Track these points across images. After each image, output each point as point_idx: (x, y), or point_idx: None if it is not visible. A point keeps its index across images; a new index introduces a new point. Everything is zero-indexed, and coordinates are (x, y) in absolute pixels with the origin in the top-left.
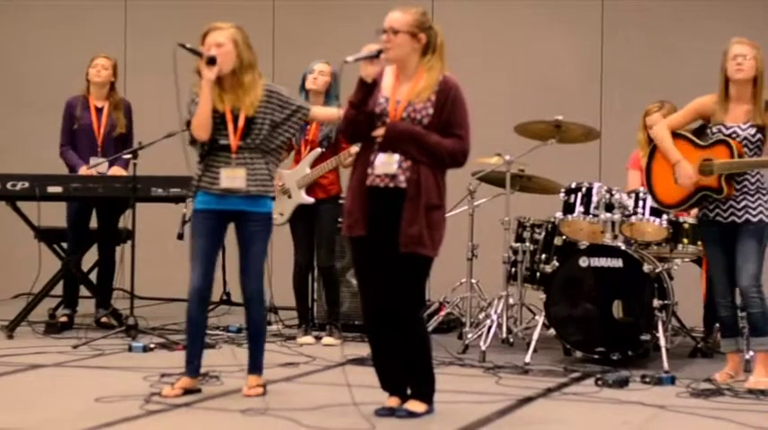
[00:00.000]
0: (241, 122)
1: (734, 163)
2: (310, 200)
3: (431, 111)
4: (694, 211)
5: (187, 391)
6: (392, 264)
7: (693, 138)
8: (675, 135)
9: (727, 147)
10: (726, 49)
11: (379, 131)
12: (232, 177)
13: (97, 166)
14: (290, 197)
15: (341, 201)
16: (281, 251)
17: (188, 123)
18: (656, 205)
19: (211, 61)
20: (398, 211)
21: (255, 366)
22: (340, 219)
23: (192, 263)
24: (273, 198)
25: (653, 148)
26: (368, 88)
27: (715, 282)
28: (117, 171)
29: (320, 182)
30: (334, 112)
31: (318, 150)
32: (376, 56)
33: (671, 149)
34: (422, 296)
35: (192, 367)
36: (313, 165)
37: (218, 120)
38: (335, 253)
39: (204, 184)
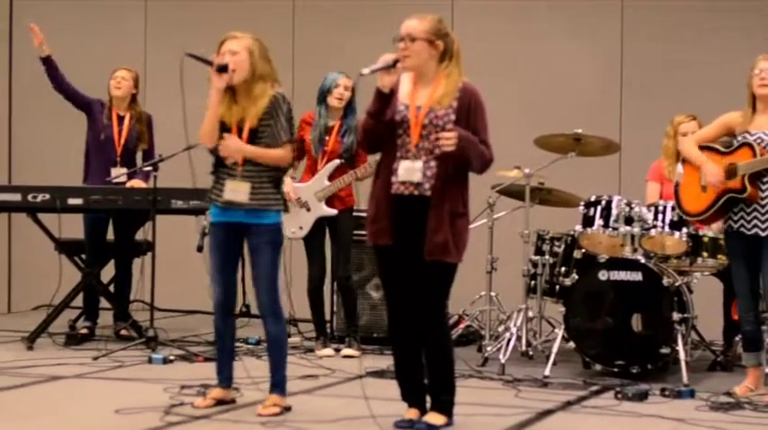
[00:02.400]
0: (245, 134)
1: (756, 161)
2: (333, 211)
3: (453, 117)
4: (715, 225)
5: (220, 402)
6: (417, 271)
7: (718, 147)
8: (702, 148)
9: (750, 148)
10: (752, 65)
11: (448, 135)
12: (235, 190)
13: (117, 177)
14: (308, 210)
15: (356, 214)
16: (299, 263)
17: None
18: (683, 217)
19: (222, 69)
20: (423, 219)
21: (275, 384)
22: (356, 231)
23: (210, 276)
24: (285, 210)
25: (681, 163)
26: (385, 98)
27: (739, 295)
28: (137, 184)
29: (338, 194)
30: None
31: (337, 162)
32: (392, 65)
33: (696, 155)
34: (446, 303)
35: (223, 377)
36: (331, 177)
37: (227, 132)
38: (352, 264)
39: (213, 196)
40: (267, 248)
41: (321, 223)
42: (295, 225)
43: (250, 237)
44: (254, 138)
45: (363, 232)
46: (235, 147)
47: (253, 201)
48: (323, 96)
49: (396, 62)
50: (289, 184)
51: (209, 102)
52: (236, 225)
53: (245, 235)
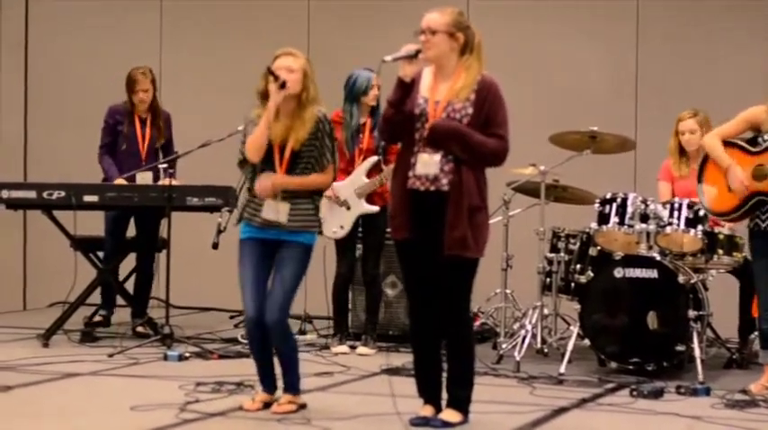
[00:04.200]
0: (286, 155)
1: None
2: (375, 208)
3: (470, 110)
4: (730, 224)
5: (267, 405)
6: (438, 266)
7: (745, 145)
8: (727, 144)
9: None
10: None
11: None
12: (275, 210)
13: (140, 178)
14: (348, 208)
15: None
16: (314, 261)
17: (243, 143)
18: (709, 214)
19: (282, 86)
20: (441, 214)
21: (288, 386)
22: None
23: (242, 292)
24: (319, 233)
25: (704, 159)
26: (406, 88)
27: (760, 293)
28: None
29: (379, 190)
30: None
31: (374, 159)
32: (414, 55)
33: (721, 155)
34: (469, 298)
35: (267, 384)
36: (369, 174)
37: (268, 150)
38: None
39: (247, 215)
40: (293, 262)
41: (356, 221)
42: (336, 224)
43: (281, 251)
44: (295, 159)
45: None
46: (277, 183)
47: (291, 223)
48: (356, 96)
49: (418, 52)
50: None
51: (265, 116)
52: (269, 241)
53: (276, 249)
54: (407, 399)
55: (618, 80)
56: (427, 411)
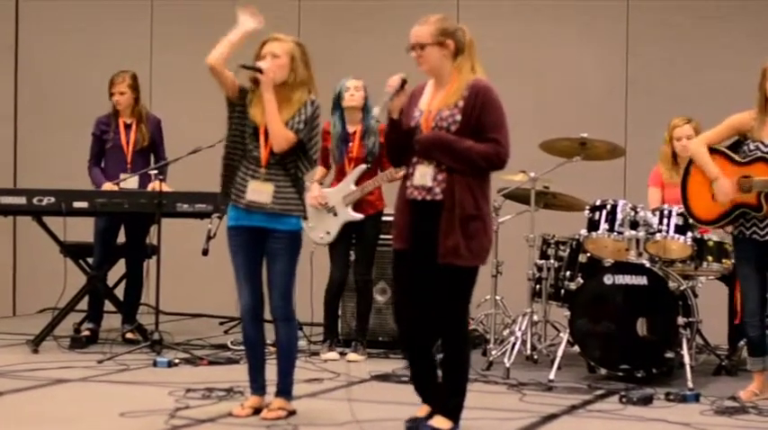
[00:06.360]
0: (270, 139)
1: None
2: (360, 216)
3: (458, 117)
4: (720, 230)
5: (257, 410)
6: (434, 276)
7: (731, 155)
8: (712, 150)
9: (767, 163)
10: (764, 67)
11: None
12: (259, 191)
13: (124, 181)
14: (335, 215)
15: (384, 218)
16: (304, 267)
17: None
18: (692, 221)
19: (260, 71)
20: (437, 223)
21: (281, 389)
22: (382, 235)
23: (236, 282)
24: (304, 217)
25: (688, 164)
26: (396, 122)
27: (746, 300)
28: (157, 186)
29: (367, 198)
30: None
31: (363, 167)
32: (401, 87)
33: (709, 165)
34: (466, 308)
35: (257, 386)
36: (358, 182)
37: (254, 132)
38: (374, 268)
39: (233, 197)
40: (285, 253)
41: (347, 227)
42: (322, 230)
43: (269, 241)
44: None
45: (387, 236)
46: (271, 77)
47: (275, 205)
48: (337, 104)
49: (403, 83)
50: (316, 189)
51: (227, 39)
52: (256, 229)
53: (264, 239)
54: (397, 406)
55: (608, 85)
56: (423, 411)
